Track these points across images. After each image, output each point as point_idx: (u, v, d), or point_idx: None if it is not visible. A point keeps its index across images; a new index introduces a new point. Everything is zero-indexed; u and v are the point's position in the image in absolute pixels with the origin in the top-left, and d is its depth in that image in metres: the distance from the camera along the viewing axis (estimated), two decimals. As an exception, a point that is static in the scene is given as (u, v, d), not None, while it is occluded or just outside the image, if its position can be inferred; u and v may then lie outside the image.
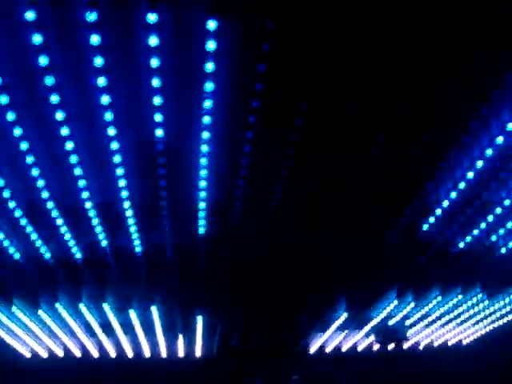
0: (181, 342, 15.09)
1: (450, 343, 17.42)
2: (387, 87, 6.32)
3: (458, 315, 14.85)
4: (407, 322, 14.77)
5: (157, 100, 6.23)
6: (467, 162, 7.84)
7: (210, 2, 5.29)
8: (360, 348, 16.75)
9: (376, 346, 16.08)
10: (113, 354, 15.55)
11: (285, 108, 6.54)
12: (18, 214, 8.26)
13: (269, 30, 5.49)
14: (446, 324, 15.58)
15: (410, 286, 12.77)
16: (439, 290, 13.05)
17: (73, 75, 5.98)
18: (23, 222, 8.53)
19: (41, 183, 7.55)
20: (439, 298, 13.31)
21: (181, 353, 15.81)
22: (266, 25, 5.45)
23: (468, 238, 10.27)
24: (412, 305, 13.51)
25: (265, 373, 15.75)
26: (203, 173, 7.54)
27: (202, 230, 9.14)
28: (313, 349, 16.56)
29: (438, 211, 9.17)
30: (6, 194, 7.68)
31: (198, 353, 15.82)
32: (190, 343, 15.18)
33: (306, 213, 8.89)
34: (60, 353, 15.32)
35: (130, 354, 15.58)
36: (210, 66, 5.83)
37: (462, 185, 8.29)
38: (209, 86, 6.07)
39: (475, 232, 10.06)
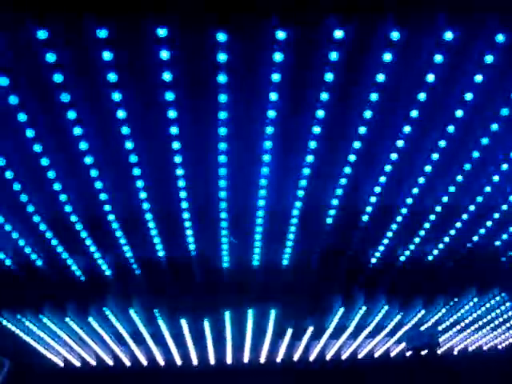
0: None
1: (485, 348, 17.11)
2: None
3: (492, 320, 14.57)
4: (440, 328, 14.54)
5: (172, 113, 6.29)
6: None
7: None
8: (392, 354, 16.56)
9: (408, 353, 15.83)
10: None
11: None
12: (43, 227, 8.42)
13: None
14: (480, 329, 15.29)
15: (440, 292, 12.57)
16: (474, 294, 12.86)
17: (88, 92, 6.06)
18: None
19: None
20: (471, 304, 13.09)
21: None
22: None
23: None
24: (444, 310, 13.32)
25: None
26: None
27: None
28: (345, 355, 16.43)
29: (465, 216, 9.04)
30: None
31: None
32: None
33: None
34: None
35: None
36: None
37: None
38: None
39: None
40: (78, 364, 15.54)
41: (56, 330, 12.63)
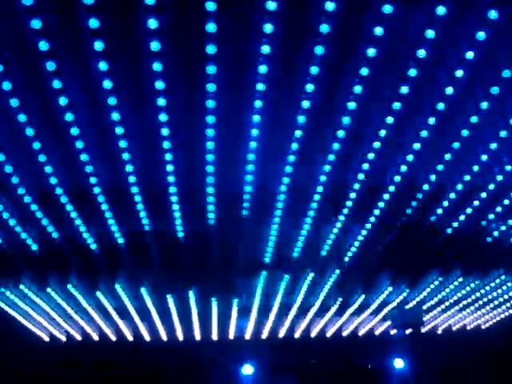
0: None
1: (468, 327, 17.26)
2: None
3: (476, 300, 14.68)
4: (424, 307, 14.62)
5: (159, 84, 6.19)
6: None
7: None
8: (377, 332, 16.65)
9: (393, 331, 15.95)
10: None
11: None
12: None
13: None
14: (464, 309, 15.41)
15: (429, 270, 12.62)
16: (458, 273, 12.94)
17: (74, 61, 5.94)
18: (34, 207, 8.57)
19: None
20: (456, 283, 13.16)
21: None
22: None
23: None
24: (429, 289, 13.39)
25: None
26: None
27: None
28: (329, 333, 16.50)
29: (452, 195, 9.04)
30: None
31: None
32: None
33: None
34: (79, 337, 15.49)
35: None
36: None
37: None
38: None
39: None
40: (63, 339, 15.51)
41: (39, 302, 12.56)
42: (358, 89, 6.38)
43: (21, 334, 14.62)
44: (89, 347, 15.51)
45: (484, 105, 6.87)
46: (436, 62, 6.19)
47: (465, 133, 7.36)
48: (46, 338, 15.41)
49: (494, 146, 7.67)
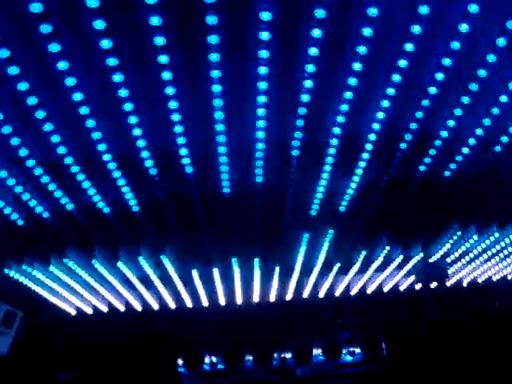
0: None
1: (494, 279, 17.13)
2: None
3: (500, 251, 14.49)
4: (448, 260, 14.49)
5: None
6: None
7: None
8: (402, 288, 16.60)
9: (418, 286, 15.87)
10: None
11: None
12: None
13: None
14: (488, 260, 15.24)
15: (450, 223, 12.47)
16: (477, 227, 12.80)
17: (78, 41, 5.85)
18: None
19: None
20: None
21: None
22: None
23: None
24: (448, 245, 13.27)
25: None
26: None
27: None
28: (354, 291, 16.50)
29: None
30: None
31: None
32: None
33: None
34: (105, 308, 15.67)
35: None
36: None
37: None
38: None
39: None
40: (90, 311, 15.67)
41: (64, 277, 12.65)
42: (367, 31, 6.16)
43: (47, 309, 14.81)
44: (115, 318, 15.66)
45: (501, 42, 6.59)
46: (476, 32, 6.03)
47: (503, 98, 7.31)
48: (73, 312, 15.59)
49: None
